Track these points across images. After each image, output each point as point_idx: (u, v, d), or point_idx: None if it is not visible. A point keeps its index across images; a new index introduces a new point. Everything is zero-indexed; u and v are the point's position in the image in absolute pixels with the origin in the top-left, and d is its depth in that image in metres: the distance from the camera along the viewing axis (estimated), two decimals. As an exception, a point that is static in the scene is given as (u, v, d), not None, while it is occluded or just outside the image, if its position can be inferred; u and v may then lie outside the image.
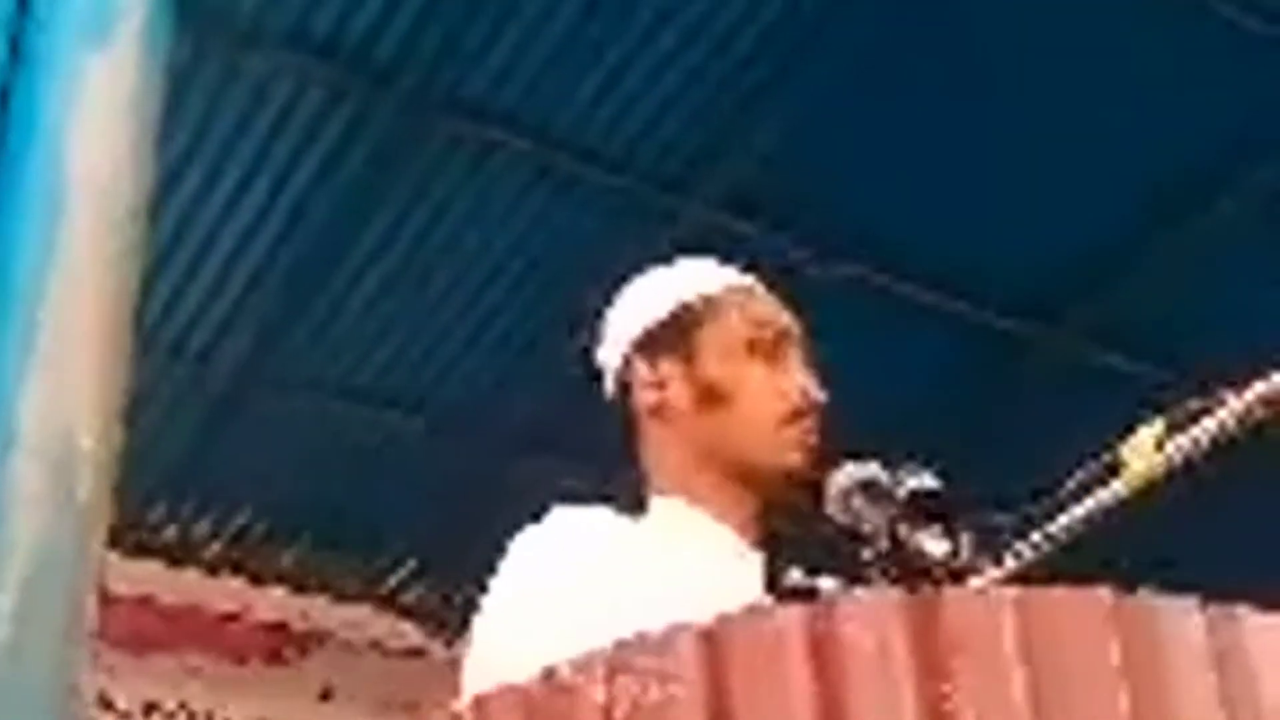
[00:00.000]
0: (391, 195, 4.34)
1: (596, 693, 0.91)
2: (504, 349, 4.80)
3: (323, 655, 5.57)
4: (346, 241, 4.46)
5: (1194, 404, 1.74)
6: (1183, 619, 0.96)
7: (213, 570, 5.46)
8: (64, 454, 0.74)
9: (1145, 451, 1.72)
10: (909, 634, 0.92)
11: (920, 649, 0.91)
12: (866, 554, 1.48)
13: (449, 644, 5.61)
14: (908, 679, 0.90)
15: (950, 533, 1.45)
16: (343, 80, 4.07)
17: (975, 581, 1.40)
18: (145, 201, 0.87)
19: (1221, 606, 0.98)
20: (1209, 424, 1.70)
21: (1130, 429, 1.85)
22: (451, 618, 5.61)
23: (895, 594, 0.94)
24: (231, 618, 5.47)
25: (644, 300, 1.73)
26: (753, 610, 0.93)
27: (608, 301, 1.78)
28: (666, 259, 1.81)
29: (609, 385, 1.73)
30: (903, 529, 1.46)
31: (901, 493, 1.48)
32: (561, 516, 1.61)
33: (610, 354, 1.73)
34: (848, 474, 1.54)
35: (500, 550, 1.59)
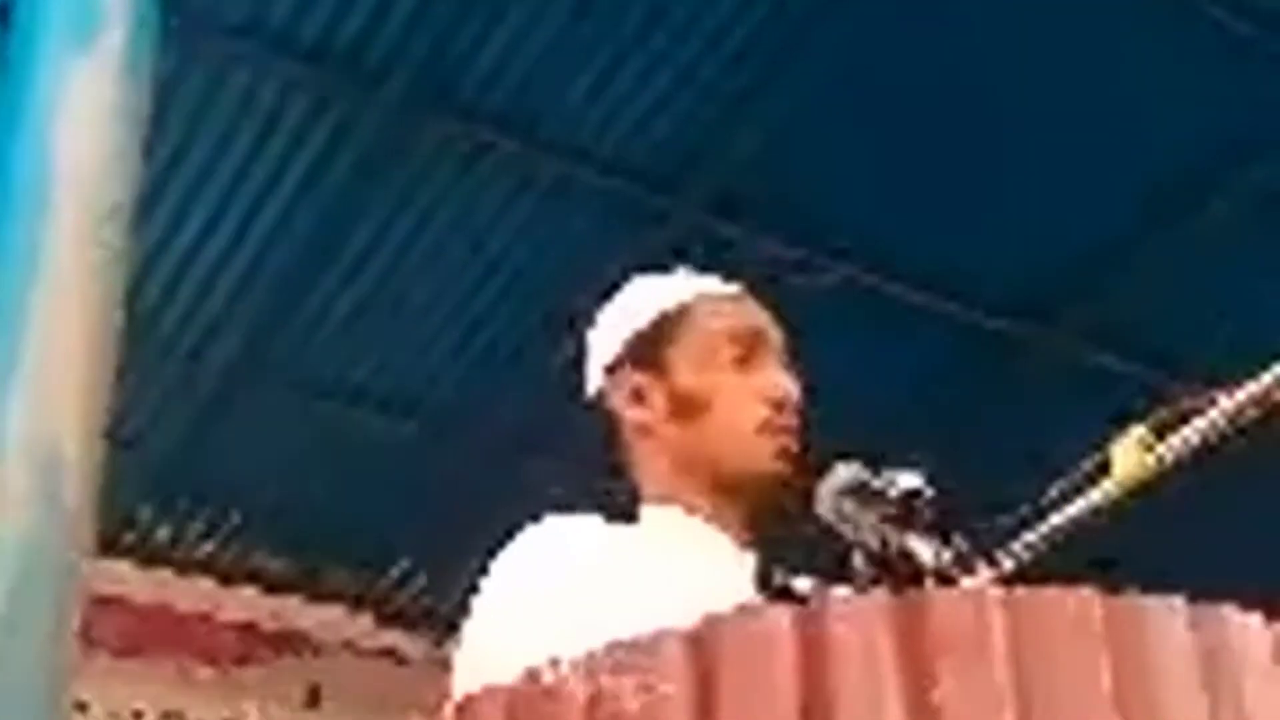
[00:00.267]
0: (381, 197, 4.34)
1: (582, 694, 0.91)
2: (493, 351, 4.80)
3: (311, 658, 5.56)
4: (336, 243, 4.45)
5: (1183, 405, 1.74)
6: (1170, 620, 0.96)
7: (198, 571, 5.45)
8: (49, 460, 0.74)
9: (1134, 453, 1.73)
10: (896, 635, 0.92)
11: (907, 650, 0.91)
12: (856, 556, 1.48)
13: (435, 646, 5.61)
14: (895, 680, 0.90)
15: (940, 535, 1.45)
16: (332, 82, 4.06)
17: (965, 583, 1.39)
18: (132, 205, 0.87)
19: (1209, 607, 0.98)
20: (1198, 425, 1.70)
21: (1123, 430, 1.85)
22: (437, 620, 5.61)
23: (883, 595, 0.94)
24: (219, 620, 5.46)
25: (618, 315, 1.75)
26: (740, 612, 0.92)
27: (598, 304, 1.79)
28: (657, 260, 1.82)
29: (593, 400, 1.74)
30: (892, 531, 1.46)
31: (891, 494, 1.48)
32: (553, 523, 1.61)
33: (592, 369, 1.74)
34: (837, 476, 1.54)
35: (488, 553, 1.59)
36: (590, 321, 1.79)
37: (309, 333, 4.73)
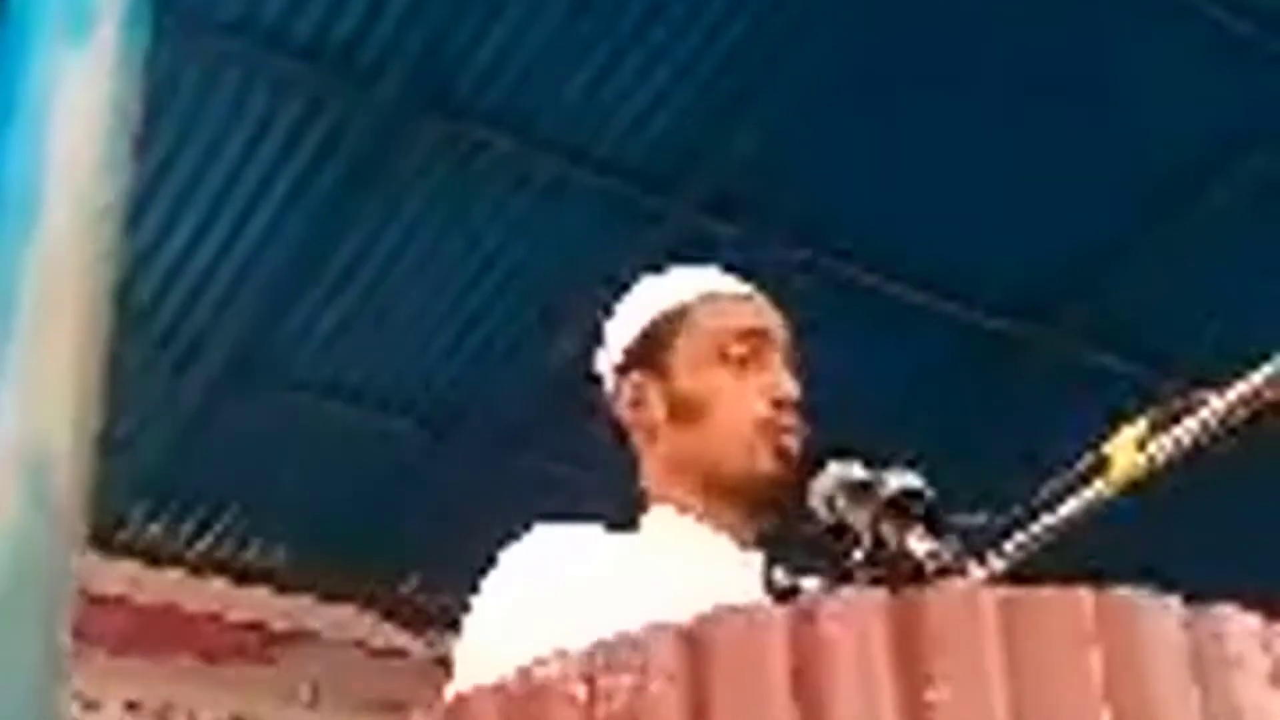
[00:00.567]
0: (375, 196, 4.34)
1: (575, 691, 0.91)
2: (489, 349, 4.79)
3: (306, 655, 5.57)
4: (331, 242, 4.45)
5: (1178, 402, 1.74)
6: (1164, 618, 0.96)
7: (195, 570, 5.45)
8: (39, 459, 0.73)
9: (1129, 451, 1.72)
10: (891, 634, 0.92)
11: (902, 649, 0.91)
12: (852, 554, 1.48)
13: (433, 644, 5.61)
14: (889, 678, 0.90)
15: (935, 533, 1.45)
16: (326, 81, 4.06)
17: (960, 581, 1.40)
18: (124, 203, 0.86)
19: (1202, 606, 0.98)
20: (1194, 422, 1.70)
21: (1118, 429, 1.85)
22: (435, 617, 5.61)
23: (877, 594, 0.94)
24: (214, 618, 5.47)
25: (624, 317, 1.75)
26: (733, 610, 0.92)
27: (593, 302, 1.79)
28: (653, 260, 1.82)
29: (603, 401, 1.74)
30: (887, 529, 1.46)
31: (886, 493, 1.48)
32: (553, 530, 1.61)
33: (603, 371, 1.74)
34: (833, 474, 1.55)
35: (486, 554, 1.60)
36: (584, 321, 1.79)
37: (304, 331, 4.72)
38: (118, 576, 5.23)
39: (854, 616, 0.92)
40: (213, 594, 5.47)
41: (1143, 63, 4.13)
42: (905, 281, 4.71)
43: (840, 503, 1.52)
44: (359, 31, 3.97)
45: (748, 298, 1.74)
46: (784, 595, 1.52)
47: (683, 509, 1.64)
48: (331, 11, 3.93)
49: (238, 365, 4.78)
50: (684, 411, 1.65)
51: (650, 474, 1.68)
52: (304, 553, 5.46)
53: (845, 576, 1.50)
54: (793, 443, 1.61)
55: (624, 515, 1.71)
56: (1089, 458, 1.78)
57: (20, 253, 0.78)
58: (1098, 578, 0.98)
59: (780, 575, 1.57)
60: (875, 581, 1.43)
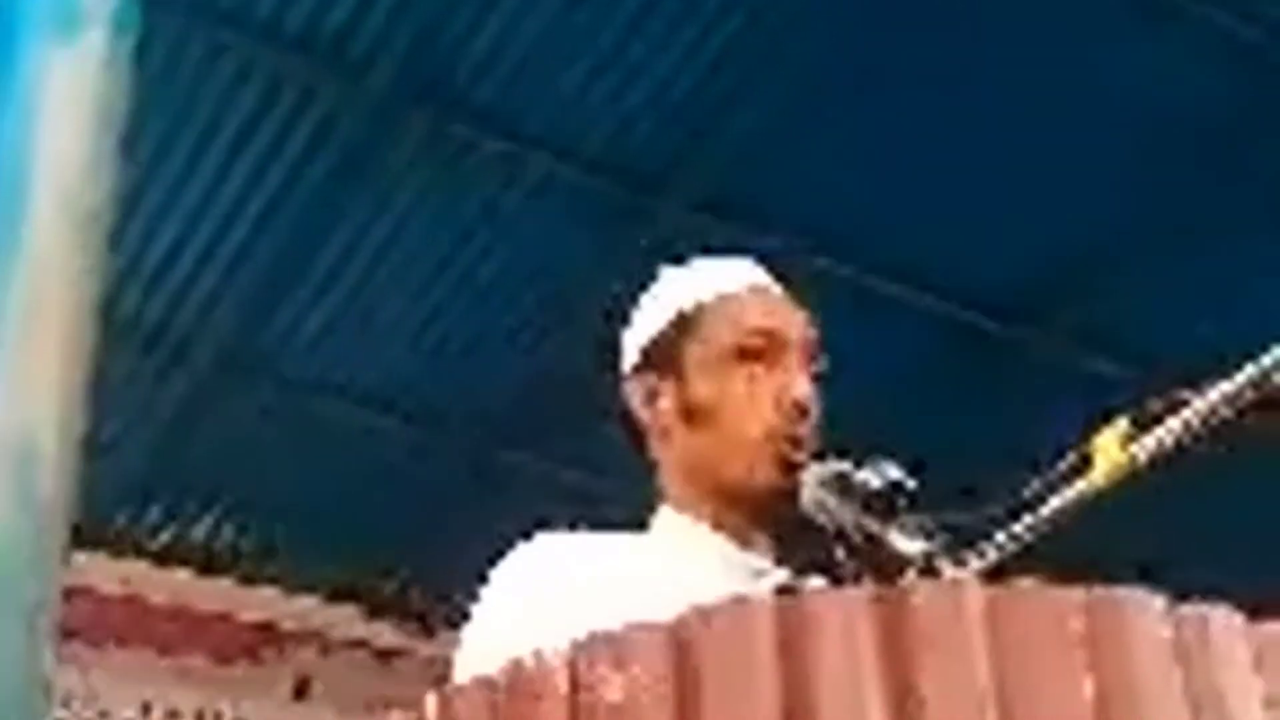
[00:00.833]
0: (364, 193, 4.34)
1: (563, 684, 0.91)
2: (481, 346, 4.79)
3: (299, 654, 5.57)
4: (320, 238, 4.45)
5: (1160, 401, 1.75)
6: (1149, 615, 0.96)
7: (189, 568, 5.45)
8: (24, 452, 0.73)
9: (1115, 448, 1.73)
10: (877, 628, 0.92)
11: (888, 643, 0.91)
12: (840, 551, 1.48)
13: (421, 640, 5.62)
14: (875, 672, 0.90)
15: (923, 529, 1.45)
16: (318, 73, 4.06)
17: (946, 577, 1.40)
18: (112, 202, 0.87)
19: (1189, 604, 0.99)
20: (1175, 422, 1.71)
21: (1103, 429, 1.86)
22: (431, 616, 5.61)
23: (863, 589, 0.94)
24: (211, 617, 5.46)
25: (641, 317, 1.73)
26: (720, 606, 0.93)
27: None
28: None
29: (621, 402, 1.72)
30: (875, 526, 1.46)
31: (874, 490, 1.48)
32: (555, 535, 1.61)
33: (623, 370, 1.73)
34: (821, 472, 1.54)
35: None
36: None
37: (292, 328, 4.72)
38: (105, 572, 5.23)
39: (840, 612, 0.92)
40: (203, 593, 5.47)
41: (1139, 65, 4.13)
42: (898, 281, 4.72)
43: (830, 500, 1.52)
44: (350, 25, 3.96)
45: (767, 297, 1.71)
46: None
47: (691, 512, 1.63)
48: (324, 3, 3.92)
49: (226, 363, 4.77)
50: (695, 414, 1.63)
51: (663, 476, 1.67)
52: (294, 552, 5.46)
53: (834, 574, 1.50)
54: (796, 454, 1.58)
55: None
56: (1073, 456, 1.79)
57: (7, 258, 0.78)
58: (1084, 575, 0.98)
59: (785, 578, 1.57)
60: (864, 578, 1.44)
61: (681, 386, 1.65)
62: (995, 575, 1.06)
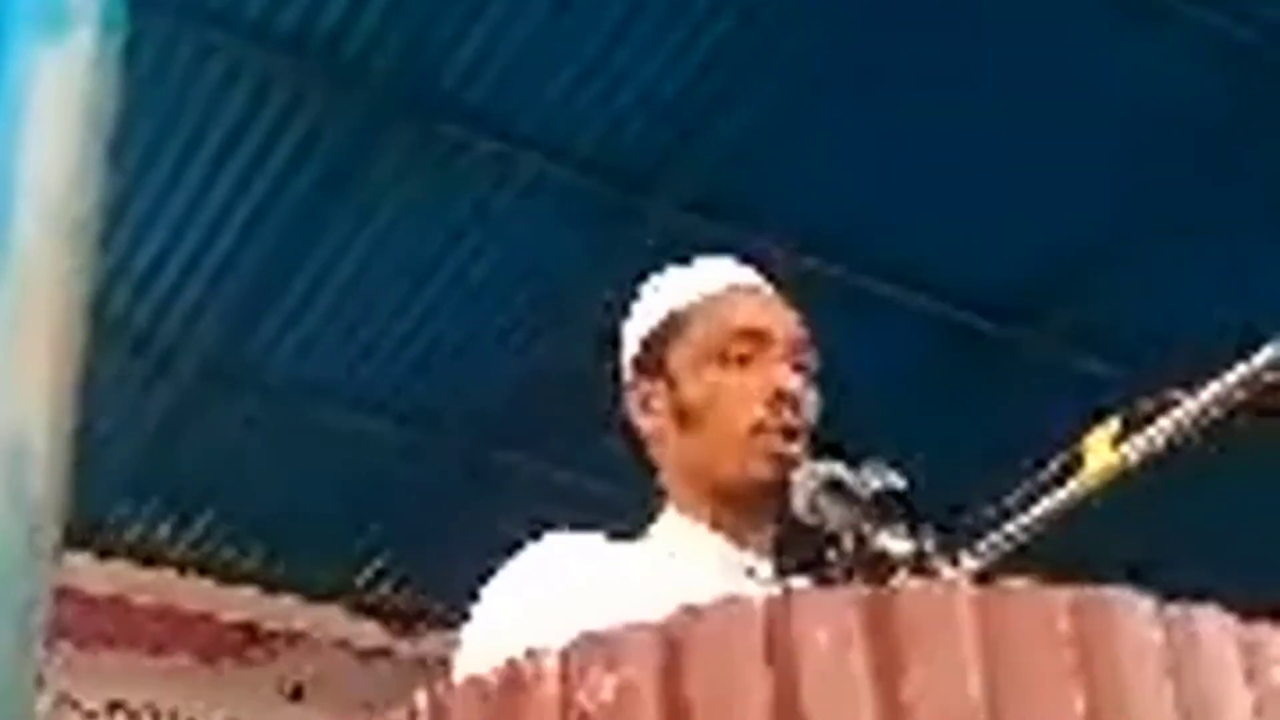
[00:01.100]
0: (355, 194, 4.33)
1: (555, 684, 0.91)
2: (472, 347, 4.79)
3: (290, 655, 5.56)
4: (310, 240, 4.44)
5: (1150, 401, 1.75)
6: (1139, 615, 0.96)
7: (177, 569, 5.44)
8: (15, 449, 0.73)
9: (1105, 448, 1.73)
10: (867, 630, 0.92)
11: (877, 644, 0.91)
12: (831, 553, 1.49)
13: (412, 642, 5.62)
14: (864, 673, 0.90)
15: (914, 531, 1.45)
16: (308, 77, 4.05)
17: (937, 579, 1.40)
18: (100, 203, 0.86)
19: (1177, 605, 0.99)
20: (1166, 422, 1.71)
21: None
22: (422, 617, 5.61)
23: (854, 590, 0.94)
24: (197, 617, 5.46)
25: (632, 325, 1.75)
26: (710, 605, 0.93)
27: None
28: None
29: (622, 408, 1.73)
30: (867, 528, 1.46)
31: (866, 492, 1.48)
32: (556, 538, 1.61)
33: (623, 381, 1.75)
34: (812, 473, 1.54)
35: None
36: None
37: (282, 331, 4.71)
38: (99, 576, 5.23)
39: (830, 612, 0.92)
40: (194, 593, 5.46)
41: (1133, 65, 4.13)
42: (890, 280, 4.72)
43: (821, 501, 1.52)
44: (343, 26, 3.96)
45: (752, 296, 1.72)
46: None
47: (692, 514, 1.64)
48: (315, 4, 3.92)
49: (216, 366, 4.77)
50: (687, 417, 1.64)
51: (664, 480, 1.68)
52: (281, 551, 5.45)
53: (825, 575, 1.50)
54: (788, 447, 1.59)
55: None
56: (1064, 457, 1.79)
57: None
58: (1075, 575, 0.98)
59: (785, 582, 1.57)
60: (854, 579, 1.44)
61: (672, 390, 1.66)
62: (986, 576, 1.06)
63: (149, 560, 5.40)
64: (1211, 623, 0.99)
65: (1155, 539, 4.37)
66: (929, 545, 1.44)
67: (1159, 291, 4.65)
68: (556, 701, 0.91)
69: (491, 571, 1.59)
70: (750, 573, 1.58)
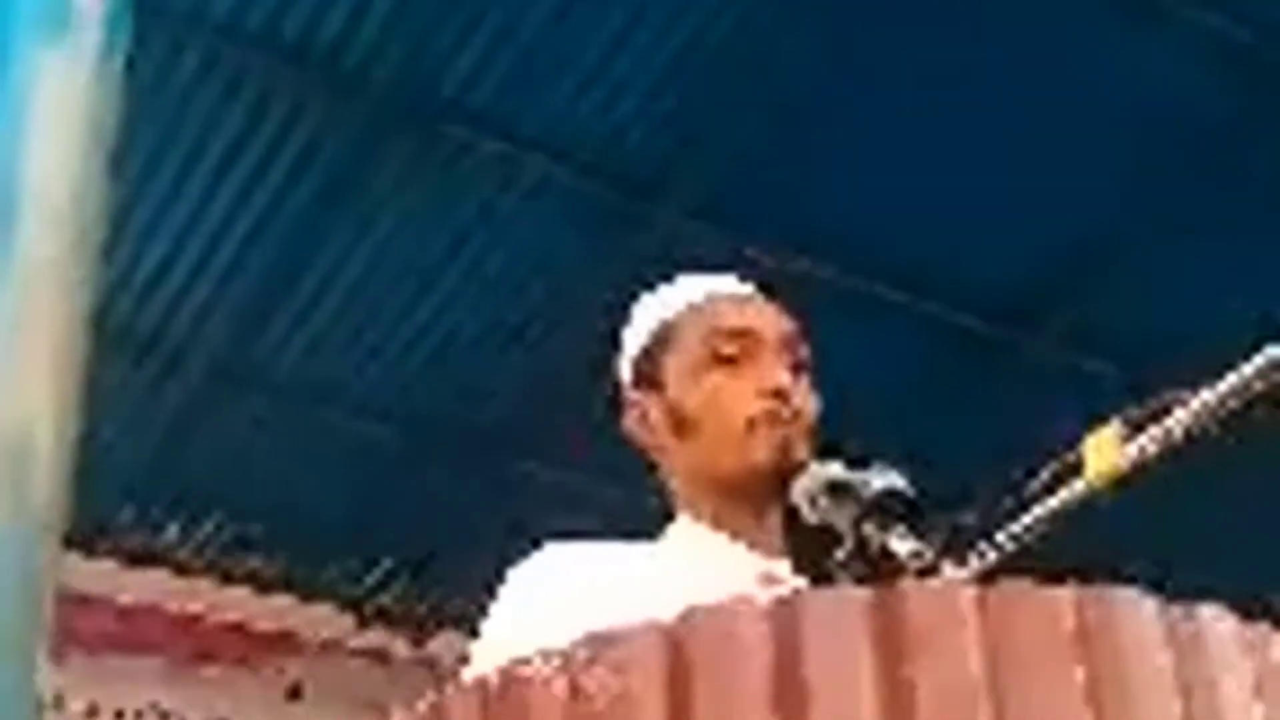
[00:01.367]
0: (359, 199, 4.33)
1: (557, 685, 0.91)
2: (476, 352, 4.79)
3: (292, 657, 5.56)
4: (315, 244, 4.45)
5: (1152, 402, 1.75)
6: (1142, 615, 0.96)
7: (179, 571, 5.45)
8: (19, 450, 0.73)
9: (1108, 449, 1.73)
10: (871, 631, 0.92)
11: (882, 647, 0.91)
12: (835, 554, 1.49)
13: (415, 645, 5.62)
14: (869, 674, 0.90)
15: (917, 532, 1.45)
16: (311, 83, 4.06)
17: (940, 579, 1.40)
18: (105, 209, 0.87)
19: (1182, 605, 0.99)
20: (1168, 423, 1.71)
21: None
22: (425, 620, 5.61)
23: (858, 591, 0.94)
24: (197, 619, 5.46)
25: (626, 340, 1.77)
26: (714, 606, 0.93)
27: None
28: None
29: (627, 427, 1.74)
30: (870, 529, 1.46)
31: (869, 493, 1.49)
32: (565, 545, 1.62)
33: (623, 398, 1.76)
34: (815, 474, 1.55)
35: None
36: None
37: (288, 335, 4.72)
38: (101, 577, 5.23)
39: (835, 614, 0.92)
40: (197, 595, 5.46)
41: (1131, 66, 4.13)
42: (890, 284, 4.72)
43: (824, 502, 1.52)
44: (344, 34, 3.96)
45: (738, 299, 1.73)
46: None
47: (700, 519, 1.65)
48: (317, 14, 3.92)
49: (221, 371, 4.77)
50: (684, 424, 1.66)
51: (670, 490, 1.70)
52: (284, 554, 5.46)
53: (828, 576, 1.50)
54: (788, 433, 1.60)
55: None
56: (1066, 457, 1.79)
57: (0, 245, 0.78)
58: (1077, 575, 0.98)
59: (792, 583, 1.57)
60: (858, 581, 1.44)
61: (667, 400, 1.68)
62: (989, 577, 1.06)
63: (151, 561, 5.41)
64: (1214, 621, 0.99)
65: (1156, 539, 4.37)
66: (933, 546, 1.44)
67: (1159, 291, 4.65)
68: (559, 702, 0.91)
69: (496, 574, 1.59)
70: (765, 576, 1.58)
